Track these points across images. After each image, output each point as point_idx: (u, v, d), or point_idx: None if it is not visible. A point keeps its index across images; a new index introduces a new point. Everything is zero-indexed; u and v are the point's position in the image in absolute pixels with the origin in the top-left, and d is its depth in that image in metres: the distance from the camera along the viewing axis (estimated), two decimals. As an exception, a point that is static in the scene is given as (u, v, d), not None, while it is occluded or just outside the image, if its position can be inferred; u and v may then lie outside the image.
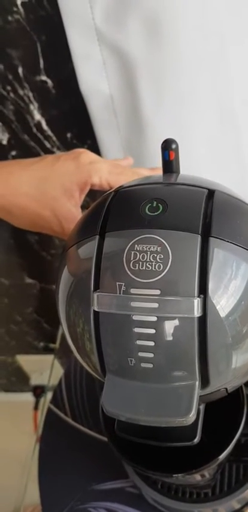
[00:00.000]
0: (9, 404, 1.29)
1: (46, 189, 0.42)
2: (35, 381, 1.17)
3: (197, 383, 0.28)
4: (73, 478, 0.56)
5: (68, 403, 0.62)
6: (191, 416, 0.27)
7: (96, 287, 0.28)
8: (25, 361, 1.14)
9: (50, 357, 0.77)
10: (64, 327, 0.32)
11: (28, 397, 1.23)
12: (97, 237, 0.29)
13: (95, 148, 0.60)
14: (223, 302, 0.27)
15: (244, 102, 0.53)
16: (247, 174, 0.59)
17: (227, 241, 0.27)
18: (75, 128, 0.61)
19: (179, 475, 0.37)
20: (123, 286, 0.27)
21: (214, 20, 0.47)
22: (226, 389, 0.31)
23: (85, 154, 0.44)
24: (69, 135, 0.62)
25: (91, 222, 0.30)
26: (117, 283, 0.27)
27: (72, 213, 0.41)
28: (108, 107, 0.55)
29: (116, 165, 0.44)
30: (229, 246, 0.27)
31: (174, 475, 0.37)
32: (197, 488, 0.47)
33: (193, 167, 0.58)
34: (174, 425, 0.28)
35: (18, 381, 1.23)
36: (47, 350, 1.07)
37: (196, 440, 0.31)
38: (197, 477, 0.42)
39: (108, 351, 0.29)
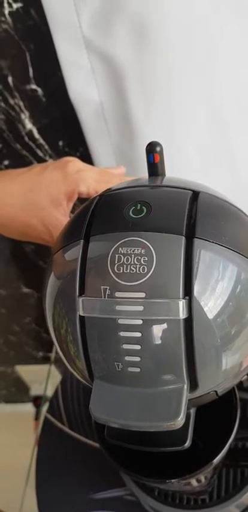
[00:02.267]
0: (10, 416, 1.28)
1: (33, 199, 0.42)
2: (35, 391, 1.17)
3: (185, 386, 0.28)
4: (71, 487, 0.55)
5: (65, 412, 0.61)
6: (180, 420, 0.27)
7: (82, 292, 0.28)
8: (24, 371, 1.13)
9: (48, 367, 0.77)
10: (51, 333, 0.32)
11: (29, 408, 1.23)
12: (82, 241, 0.29)
13: (87, 156, 0.60)
14: (209, 303, 0.27)
15: (234, 106, 0.53)
16: (238, 178, 0.59)
17: (212, 242, 0.27)
18: (67, 135, 0.61)
19: (173, 480, 0.37)
20: (107, 290, 0.27)
21: (201, 24, 0.47)
22: (216, 392, 0.30)
23: (73, 163, 0.44)
24: (61, 143, 0.62)
25: (76, 227, 0.30)
26: (102, 287, 0.27)
27: (61, 221, 0.41)
28: (98, 114, 0.55)
29: (104, 173, 0.45)
30: (214, 246, 0.27)
31: (168, 481, 0.37)
32: (195, 494, 0.46)
33: (184, 171, 0.58)
34: (163, 429, 0.27)
35: (18, 391, 1.22)
36: (46, 360, 1.07)
37: (187, 444, 0.31)
38: (194, 483, 0.42)
39: (94, 356, 0.28)
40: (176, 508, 0.47)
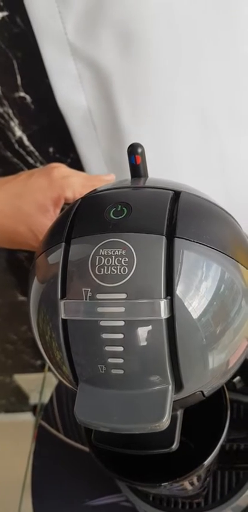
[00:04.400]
0: (10, 425, 1.28)
1: (20, 206, 0.42)
2: (34, 399, 1.17)
3: (170, 387, 0.28)
4: (66, 494, 0.55)
5: (60, 419, 0.61)
6: (165, 422, 0.27)
7: (63, 295, 0.28)
8: (23, 380, 1.13)
9: (47, 375, 0.76)
10: (36, 338, 0.32)
11: (28, 417, 1.22)
12: (63, 244, 0.29)
13: (78, 162, 0.60)
14: (191, 303, 0.27)
15: (223, 109, 0.53)
16: (230, 182, 0.59)
17: (193, 241, 0.27)
18: (57, 142, 0.61)
19: (163, 484, 0.36)
20: (89, 292, 0.27)
21: (188, 29, 0.47)
22: (203, 392, 0.30)
23: (58, 169, 0.44)
24: (51, 149, 0.62)
25: (58, 230, 0.30)
26: (83, 289, 0.27)
27: (48, 226, 0.41)
28: (86, 120, 0.55)
29: (90, 178, 0.45)
30: (195, 245, 0.27)
31: (158, 484, 0.36)
32: (190, 498, 0.46)
33: (175, 176, 0.58)
34: (148, 431, 0.27)
35: (17, 400, 1.22)
36: (44, 368, 1.07)
37: (174, 446, 0.31)
38: (187, 486, 0.41)
39: (78, 359, 0.28)
40: (171, 512, 0.47)
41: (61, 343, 0.28)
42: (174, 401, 0.28)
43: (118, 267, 0.27)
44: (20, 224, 0.42)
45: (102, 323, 0.27)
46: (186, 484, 0.40)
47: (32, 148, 0.61)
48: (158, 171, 0.40)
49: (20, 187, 0.42)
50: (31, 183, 0.42)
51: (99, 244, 0.27)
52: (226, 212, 0.32)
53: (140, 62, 0.49)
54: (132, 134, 0.54)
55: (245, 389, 0.45)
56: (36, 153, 0.62)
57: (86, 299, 0.27)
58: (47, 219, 0.42)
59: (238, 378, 0.45)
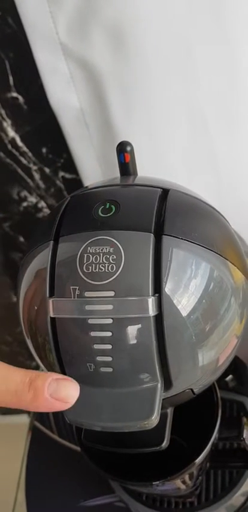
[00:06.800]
0: (7, 427, 1.27)
1: None
2: (29, 401, 1.16)
3: (159, 385, 0.28)
4: (60, 495, 0.55)
5: (54, 420, 0.61)
6: (154, 420, 0.27)
7: (52, 293, 0.28)
8: (19, 382, 1.12)
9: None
10: (26, 337, 0.31)
11: (24, 419, 1.22)
12: (52, 242, 0.29)
13: (71, 162, 0.60)
14: (180, 300, 0.27)
15: (216, 108, 0.53)
16: (222, 181, 0.59)
17: (181, 239, 0.27)
18: (50, 142, 0.61)
19: (154, 483, 0.36)
20: (77, 290, 0.27)
21: (178, 26, 0.47)
22: (192, 390, 0.30)
23: None
24: (44, 150, 0.62)
25: (47, 228, 0.30)
26: (71, 287, 0.27)
27: None
28: (79, 120, 0.55)
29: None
30: (183, 243, 0.27)
31: (149, 483, 0.36)
32: (183, 497, 0.46)
33: (168, 174, 0.58)
34: (136, 429, 0.27)
35: (13, 402, 1.21)
36: (39, 369, 1.06)
37: (164, 444, 0.31)
38: (179, 485, 0.41)
39: (67, 358, 0.28)
40: (164, 512, 0.46)
41: (50, 342, 0.28)
42: (163, 399, 0.28)
43: (106, 264, 0.27)
44: None
45: (90, 321, 0.27)
46: (178, 482, 0.40)
47: (25, 148, 0.61)
48: (151, 170, 0.40)
49: None
50: None
51: (87, 242, 0.27)
52: (215, 210, 0.32)
53: (132, 62, 0.49)
54: (124, 133, 0.54)
55: (238, 388, 0.45)
56: (30, 154, 0.62)
57: (74, 297, 0.27)
58: None
59: (230, 376, 0.45)
